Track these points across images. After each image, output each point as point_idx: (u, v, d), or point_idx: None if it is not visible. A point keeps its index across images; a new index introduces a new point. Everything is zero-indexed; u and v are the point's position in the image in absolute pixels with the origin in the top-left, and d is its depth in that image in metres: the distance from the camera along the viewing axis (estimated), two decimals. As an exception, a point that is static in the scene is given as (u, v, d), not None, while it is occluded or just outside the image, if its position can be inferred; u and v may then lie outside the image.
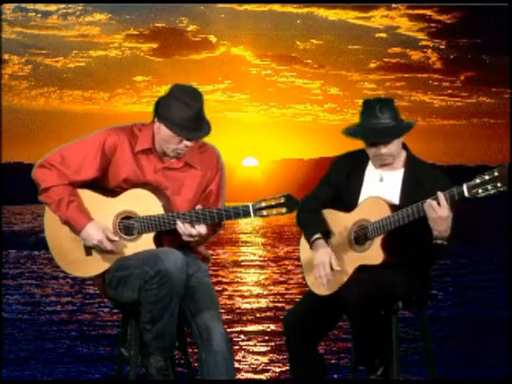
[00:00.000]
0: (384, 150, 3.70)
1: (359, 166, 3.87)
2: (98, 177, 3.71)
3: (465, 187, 3.50)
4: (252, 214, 3.63)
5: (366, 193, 3.82)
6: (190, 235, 3.63)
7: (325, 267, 3.73)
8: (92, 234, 3.64)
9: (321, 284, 3.76)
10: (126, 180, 3.71)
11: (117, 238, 3.66)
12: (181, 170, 3.76)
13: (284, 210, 3.65)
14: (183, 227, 3.63)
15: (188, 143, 3.66)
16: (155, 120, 3.70)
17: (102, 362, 6.61)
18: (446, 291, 10.25)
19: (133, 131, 3.75)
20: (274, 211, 3.64)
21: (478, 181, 3.48)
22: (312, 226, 3.86)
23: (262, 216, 3.63)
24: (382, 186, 3.81)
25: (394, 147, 3.72)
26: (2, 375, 5.94)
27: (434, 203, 3.52)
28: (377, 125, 3.68)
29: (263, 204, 3.64)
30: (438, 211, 3.52)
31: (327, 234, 3.86)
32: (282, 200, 3.64)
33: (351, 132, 3.75)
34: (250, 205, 3.64)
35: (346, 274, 3.75)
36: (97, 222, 3.67)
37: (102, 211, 3.70)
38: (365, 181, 3.84)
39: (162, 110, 3.66)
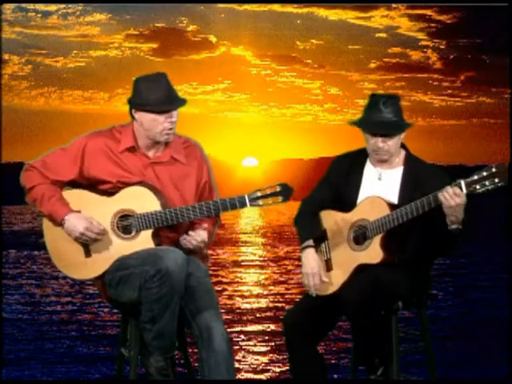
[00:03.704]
0: (381, 144, 3.72)
1: (358, 165, 3.89)
2: (78, 179, 3.76)
3: (463, 183, 3.51)
4: (248, 203, 3.65)
5: (364, 191, 3.83)
6: (195, 244, 3.70)
7: (314, 277, 3.78)
8: (76, 223, 3.67)
9: (310, 291, 3.83)
10: (119, 181, 3.73)
11: (102, 226, 3.67)
12: (168, 163, 3.78)
13: (280, 198, 3.66)
14: (187, 242, 3.71)
15: (172, 119, 3.70)
16: (133, 113, 3.73)
17: (101, 361, 6.60)
18: (445, 291, 10.23)
19: (113, 133, 3.80)
20: (270, 200, 3.65)
21: (475, 177, 3.49)
22: (306, 230, 3.89)
23: (258, 205, 3.65)
24: (380, 184, 3.82)
25: (391, 144, 3.74)
26: (2, 375, 5.94)
27: (451, 191, 3.51)
28: (378, 118, 3.72)
29: (258, 194, 3.65)
30: (457, 199, 3.51)
31: (321, 238, 3.87)
32: (278, 189, 3.65)
33: (355, 122, 3.80)
34: (246, 195, 3.66)
35: (346, 274, 3.75)
36: (78, 213, 3.68)
37: (100, 210, 3.71)
38: (363, 179, 3.86)
39: (135, 101, 3.73)
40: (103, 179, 3.74)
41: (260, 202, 3.65)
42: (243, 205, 3.66)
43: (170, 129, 3.72)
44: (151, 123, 3.70)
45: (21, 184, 3.81)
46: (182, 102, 3.75)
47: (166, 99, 3.69)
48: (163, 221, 3.67)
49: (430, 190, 3.59)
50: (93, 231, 3.67)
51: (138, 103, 3.71)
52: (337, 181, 3.91)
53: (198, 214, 3.68)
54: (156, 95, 3.67)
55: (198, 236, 3.71)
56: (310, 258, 3.83)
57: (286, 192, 3.66)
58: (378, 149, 3.75)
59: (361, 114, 3.81)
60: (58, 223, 3.71)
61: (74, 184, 3.79)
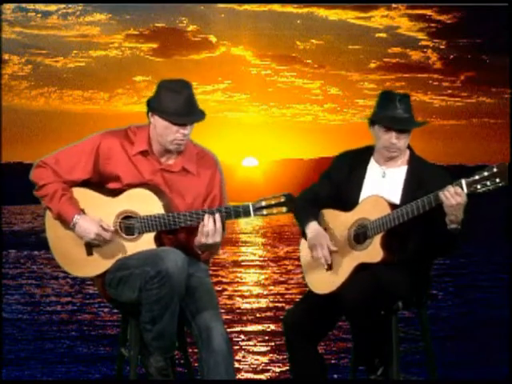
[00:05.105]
0: (395, 140, 3.74)
1: (361, 162, 3.90)
2: (91, 178, 3.75)
3: (464, 183, 3.51)
4: (252, 213, 3.63)
5: (367, 188, 3.84)
6: (207, 234, 3.61)
7: (323, 248, 3.76)
8: (87, 228, 3.66)
9: (321, 264, 3.79)
10: (127, 184, 3.72)
11: (112, 228, 3.67)
12: (178, 173, 3.77)
13: (284, 209, 3.64)
14: (206, 221, 3.61)
15: (185, 131, 3.68)
16: (149, 116, 3.72)
17: (101, 361, 6.60)
18: (445, 291, 10.23)
19: (128, 135, 3.78)
20: (275, 210, 3.63)
21: (477, 177, 3.49)
22: (306, 213, 3.88)
23: (263, 215, 3.63)
24: (384, 181, 3.83)
25: (404, 141, 3.77)
26: (2, 375, 5.94)
27: (452, 190, 3.51)
28: (395, 114, 3.74)
29: (263, 203, 3.63)
30: (458, 198, 3.51)
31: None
32: (283, 199, 3.63)
33: (371, 117, 3.81)
34: (250, 204, 3.64)
35: (346, 273, 3.75)
36: (88, 216, 3.68)
37: (103, 211, 3.71)
38: (366, 177, 3.87)
39: (153, 104, 3.70)
40: (113, 178, 3.73)
41: (264, 211, 3.64)
42: (247, 214, 3.64)
43: (182, 139, 3.70)
44: (164, 130, 3.69)
45: (30, 179, 3.77)
46: (199, 117, 3.70)
47: (184, 112, 3.65)
48: (166, 225, 3.66)
49: (433, 189, 3.59)
50: (105, 237, 3.66)
51: (155, 108, 3.69)
52: (338, 178, 3.91)
53: (202, 221, 3.66)
54: (175, 106, 3.64)
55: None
56: (315, 231, 3.81)
57: (290, 202, 3.64)
58: (391, 145, 3.76)
59: (362, 113, 3.83)
60: (67, 223, 3.71)
61: (81, 182, 3.78)
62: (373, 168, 3.88)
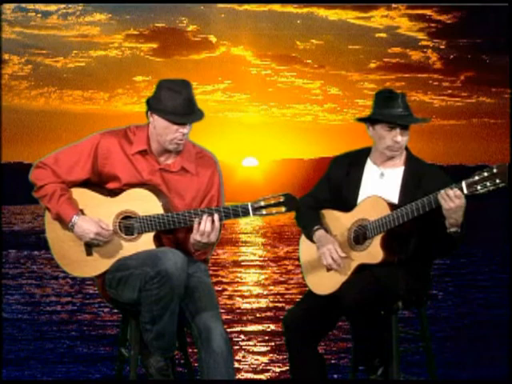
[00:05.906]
0: (400, 137, 3.73)
1: (358, 163, 3.90)
2: (90, 178, 3.75)
3: (464, 184, 3.51)
4: (251, 213, 3.62)
5: (365, 189, 3.84)
6: (203, 233, 3.60)
7: (332, 253, 3.75)
8: (86, 228, 3.66)
9: (334, 269, 3.77)
10: (126, 183, 3.72)
11: (111, 228, 3.67)
12: (177, 173, 3.77)
13: (283, 209, 3.63)
14: (204, 220, 3.60)
15: (184, 131, 3.68)
16: (149, 115, 3.72)
17: (101, 362, 6.61)
18: (446, 291, 10.24)
19: (127, 134, 3.78)
20: (274, 210, 3.62)
21: (476, 178, 3.49)
22: (311, 220, 3.88)
23: (262, 215, 3.62)
24: (382, 182, 3.82)
25: (406, 138, 3.78)
26: (2, 375, 5.94)
27: (451, 193, 3.51)
28: (399, 111, 3.75)
29: (262, 203, 3.62)
30: (457, 201, 3.51)
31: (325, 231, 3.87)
32: (282, 199, 3.62)
33: (377, 117, 3.78)
34: (249, 204, 3.63)
35: (346, 274, 3.75)
36: (87, 217, 3.68)
37: (102, 211, 3.71)
38: (364, 177, 3.86)
39: (153, 103, 3.70)
40: (112, 178, 3.73)
41: (263, 211, 3.62)
42: (246, 214, 3.63)
43: (181, 139, 3.70)
44: (163, 130, 3.69)
45: (30, 180, 3.77)
46: (198, 117, 3.70)
47: (183, 111, 3.65)
48: (165, 224, 3.66)
49: (431, 188, 3.59)
50: (104, 236, 3.66)
51: (155, 107, 3.69)
52: (337, 180, 3.91)
53: (199, 218, 3.65)
54: (174, 105, 3.64)
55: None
56: (323, 238, 3.81)
57: (290, 202, 3.63)
58: (394, 144, 3.76)
59: (362, 113, 3.83)
60: (65, 223, 3.71)
61: (81, 182, 3.78)
62: (370, 169, 3.88)
